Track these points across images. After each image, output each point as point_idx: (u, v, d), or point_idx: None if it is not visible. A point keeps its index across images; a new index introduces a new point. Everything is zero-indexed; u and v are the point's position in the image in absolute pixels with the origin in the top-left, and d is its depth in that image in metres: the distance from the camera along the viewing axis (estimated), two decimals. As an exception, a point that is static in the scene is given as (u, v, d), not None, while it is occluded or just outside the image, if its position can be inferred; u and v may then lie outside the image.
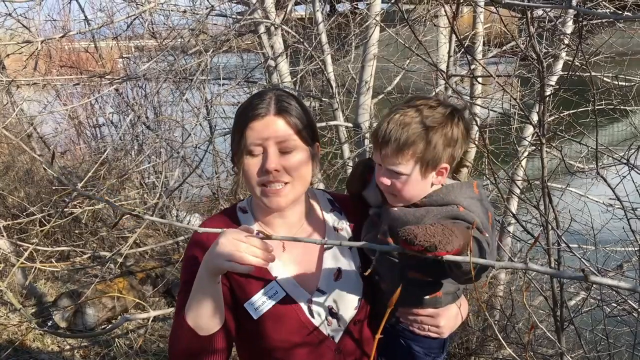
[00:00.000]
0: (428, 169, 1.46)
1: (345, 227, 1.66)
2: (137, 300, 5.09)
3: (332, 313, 1.55)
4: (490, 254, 1.35)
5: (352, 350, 1.58)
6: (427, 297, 1.53)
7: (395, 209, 1.51)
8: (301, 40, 4.18)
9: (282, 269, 1.55)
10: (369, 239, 1.54)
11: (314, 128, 1.58)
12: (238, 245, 1.31)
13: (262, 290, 1.52)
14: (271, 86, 4.30)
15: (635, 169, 2.56)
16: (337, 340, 1.55)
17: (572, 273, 1.11)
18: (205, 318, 1.42)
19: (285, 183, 1.50)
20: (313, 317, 1.53)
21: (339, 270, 1.58)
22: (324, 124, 4.31)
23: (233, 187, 1.61)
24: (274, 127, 1.48)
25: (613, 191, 2.47)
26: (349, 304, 1.56)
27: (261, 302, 1.51)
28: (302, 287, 1.55)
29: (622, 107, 4.02)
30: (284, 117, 1.49)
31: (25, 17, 5.11)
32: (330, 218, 1.66)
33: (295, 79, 4.41)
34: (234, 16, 4.57)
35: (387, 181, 1.47)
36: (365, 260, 1.61)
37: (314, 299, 1.54)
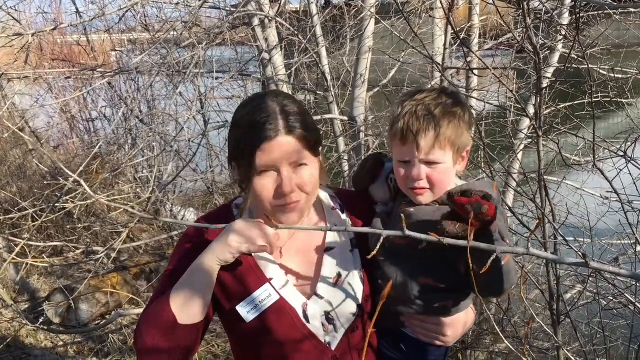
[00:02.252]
0: (458, 155, 1.48)
1: (347, 226, 1.60)
2: (131, 296, 5.07)
3: (328, 318, 1.49)
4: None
5: (350, 358, 1.52)
6: (436, 305, 1.49)
7: (412, 209, 1.47)
8: (296, 32, 4.13)
9: (279, 270, 1.51)
10: (377, 239, 1.51)
11: (318, 134, 1.51)
12: (251, 230, 1.38)
13: (255, 293, 1.47)
14: (266, 79, 4.26)
15: (632, 162, 2.54)
16: (333, 347, 1.50)
17: (572, 259, 1.12)
18: (193, 307, 1.40)
19: (299, 200, 1.46)
20: (308, 321, 1.48)
21: (338, 274, 1.53)
22: (319, 117, 4.27)
23: (242, 205, 1.52)
24: (286, 147, 1.40)
25: (610, 184, 2.45)
26: (346, 310, 1.50)
27: (253, 305, 1.46)
28: (298, 291, 1.50)
29: (618, 100, 4.01)
30: (295, 134, 1.41)
31: (16, 10, 5.06)
32: (332, 216, 1.61)
33: (289, 71, 4.37)
34: (227, 8, 4.52)
35: (422, 175, 1.44)
36: (367, 264, 1.55)
37: (310, 303, 1.49)
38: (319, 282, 1.51)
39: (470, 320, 1.60)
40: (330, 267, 1.53)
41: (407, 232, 1.17)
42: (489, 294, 1.40)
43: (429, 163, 1.44)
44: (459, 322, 1.54)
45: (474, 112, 4.11)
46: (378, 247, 1.20)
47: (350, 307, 1.51)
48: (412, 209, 1.48)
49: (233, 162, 1.48)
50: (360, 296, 1.52)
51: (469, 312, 1.59)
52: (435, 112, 1.43)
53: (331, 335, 1.50)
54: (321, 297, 1.50)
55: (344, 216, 1.62)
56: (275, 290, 1.47)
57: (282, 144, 1.40)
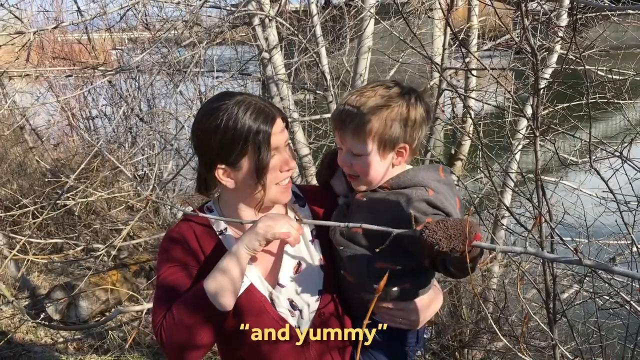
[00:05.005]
0: (387, 149, 1.48)
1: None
2: (131, 293, 5.08)
3: (293, 305, 1.58)
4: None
5: (319, 341, 1.60)
6: (395, 288, 1.52)
7: (365, 199, 1.53)
8: (296, 32, 4.15)
9: (249, 262, 1.58)
10: (337, 221, 1.57)
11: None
12: (277, 219, 1.49)
13: None
14: (265, 78, 4.28)
15: (628, 162, 2.56)
16: (303, 331, 1.59)
17: (566, 257, 1.15)
18: (227, 295, 1.47)
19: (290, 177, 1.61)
20: (276, 308, 1.58)
21: (299, 263, 1.62)
22: (318, 116, 4.30)
23: (259, 202, 1.59)
24: (282, 128, 1.56)
25: (606, 184, 2.47)
26: (308, 296, 1.59)
27: None
28: (265, 281, 1.59)
29: (615, 101, 4.03)
30: (280, 116, 1.56)
31: (17, 8, 5.07)
32: (293, 211, 1.70)
33: (289, 71, 4.39)
34: (228, 8, 4.54)
35: (348, 162, 1.51)
36: (328, 252, 1.64)
37: (275, 292, 1.58)
38: (280, 272, 1.60)
39: (435, 302, 1.65)
40: (290, 258, 1.62)
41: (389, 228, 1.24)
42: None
43: (352, 153, 1.50)
44: (423, 304, 1.59)
45: (472, 112, 4.13)
46: (386, 244, 1.26)
47: (312, 294, 1.60)
48: (364, 199, 1.53)
49: (224, 164, 1.54)
50: (320, 282, 1.61)
51: (433, 295, 1.63)
52: (365, 105, 1.46)
53: (299, 320, 1.59)
54: (283, 286, 1.59)
55: (303, 210, 1.71)
56: (247, 277, 1.56)
57: (280, 125, 1.55)
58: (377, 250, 1.29)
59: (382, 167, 1.50)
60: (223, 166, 1.54)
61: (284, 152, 1.56)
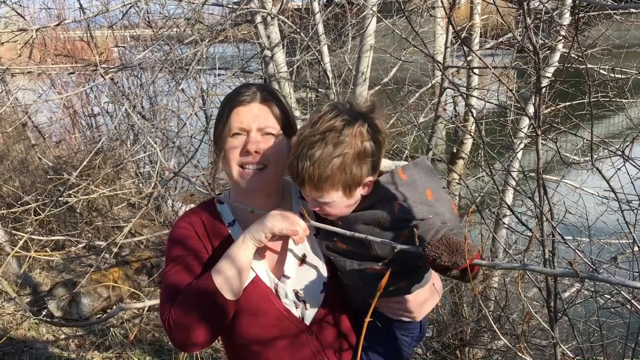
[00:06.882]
0: (352, 190, 1.48)
1: (311, 217, 1.69)
2: (133, 290, 5.09)
3: (298, 297, 1.61)
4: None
5: (325, 332, 1.63)
6: (391, 288, 1.51)
7: (341, 223, 1.54)
8: (298, 30, 4.16)
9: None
10: (323, 235, 1.60)
11: (290, 119, 1.66)
12: (287, 216, 1.52)
13: None
14: (267, 76, 4.28)
15: (630, 161, 2.56)
16: (308, 323, 1.61)
17: (563, 270, 1.15)
18: (235, 283, 1.50)
19: (263, 167, 1.58)
20: (280, 300, 1.60)
21: (303, 256, 1.64)
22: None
23: (212, 170, 1.67)
24: (258, 113, 1.59)
25: (608, 183, 2.47)
26: (313, 289, 1.61)
27: None
28: (271, 272, 1.62)
29: (618, 100, 4.03)
30: (268, 105, 1.60)
31: (20, 5, 5.07)
32: (297, 204, 1.71)
33: (291, 69, 4.39)
34: (230, 5, 4.54)
35: (315, 207, 1.53)
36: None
37: (280, 283, 1.60)
38: (285, 264, 1.62)
39: (434, 294, 1.66)
40: (295, 250, 1.64)
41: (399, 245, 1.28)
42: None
43: (318, 201, 1.50)
44: (421, 297, 1.60)
45: (474, 111, 4.13)
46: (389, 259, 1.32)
47: (316, 286, 1.62)
48: (340, 223, 1.54)
49: (214, 143, 1.66)
50: (324, 275, 1.63)
51: (432, 287, 1.64)
52: (318, 159, 1.41)
53: (303, 311, 1.61)
54: (288, 277, 1.61)
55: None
56: (252, 269, 1.59)
57: (255, 109, 1.59)
58: (380, 264, 1.33)
59: (352, 203, 1.51)
60: (215, 148, 1.66)
61: (251, 135, 1.57)
